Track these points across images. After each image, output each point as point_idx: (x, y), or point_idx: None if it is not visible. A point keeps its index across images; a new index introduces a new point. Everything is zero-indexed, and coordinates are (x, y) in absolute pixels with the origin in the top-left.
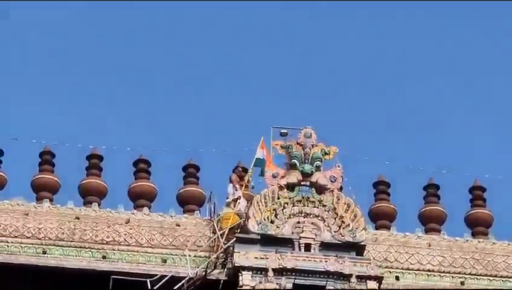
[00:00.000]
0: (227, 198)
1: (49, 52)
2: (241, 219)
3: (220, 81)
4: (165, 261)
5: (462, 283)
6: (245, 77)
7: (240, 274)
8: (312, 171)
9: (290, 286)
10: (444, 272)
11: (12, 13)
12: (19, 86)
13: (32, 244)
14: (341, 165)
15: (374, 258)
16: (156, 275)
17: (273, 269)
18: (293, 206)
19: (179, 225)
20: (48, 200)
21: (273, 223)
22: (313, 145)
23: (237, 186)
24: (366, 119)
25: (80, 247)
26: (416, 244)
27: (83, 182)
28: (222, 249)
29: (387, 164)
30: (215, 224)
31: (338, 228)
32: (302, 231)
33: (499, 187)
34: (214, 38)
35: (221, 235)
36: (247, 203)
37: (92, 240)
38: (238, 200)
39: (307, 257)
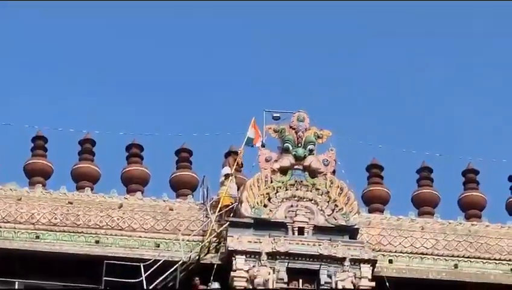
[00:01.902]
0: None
1: (41, 39)
2: (235, 202)
3: (212, 66)
4: (158, 245)
5: (455, 266)
6: (238, 61)
7: (233, 258)
8: (305, 155)
9: (283, 269)
10: (437, 255)
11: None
12: (11, 72)
13: (25, 229)
14: (334, 149)
15: (367, 241)
16: (150, 259)
17: (266, 253)
18: (286, 190)
19: (172, 210)
20: (41, 185)
21: (266, 207)
22: (306, 129)
23: (232, 167)
24: (359, 103)
25: (73, 232)
26: (409, 227)
27: (75, 166)
28: (215, 233)
29: (381, 147)
30: (208, 208)
31: (331, 211)
32: (296, 215)
33: (492, 170)
34: (207, 25)
35: (214, 218)
36: (239, 187)
37: (85, 225)
38: (230, 177)
39: (300, 241)
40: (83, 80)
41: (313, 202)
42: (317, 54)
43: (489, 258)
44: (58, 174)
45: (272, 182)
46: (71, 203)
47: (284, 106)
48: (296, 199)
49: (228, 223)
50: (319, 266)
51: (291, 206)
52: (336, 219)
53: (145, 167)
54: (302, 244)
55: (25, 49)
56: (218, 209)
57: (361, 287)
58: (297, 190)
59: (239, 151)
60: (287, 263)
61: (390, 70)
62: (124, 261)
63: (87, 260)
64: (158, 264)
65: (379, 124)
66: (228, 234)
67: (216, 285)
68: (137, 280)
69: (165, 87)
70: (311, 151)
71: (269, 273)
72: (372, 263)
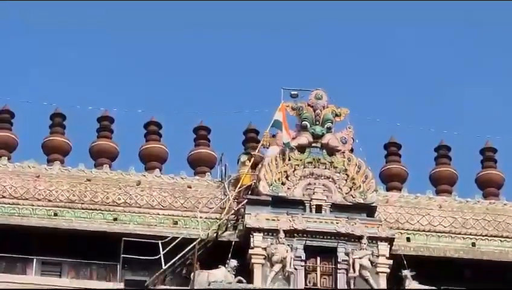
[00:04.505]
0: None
1: (59, 16)
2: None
3: (230, 43)
4: (176, 223)
5: (473, 244)
6: (255, 39)
7: (251, 236)
8: (323, 133)
9: (301, 247)
10: (455, 233)
11: None
12: (30, 49)
13: (43, 206)
14: (352, 127)
15: (385, 219)
16: (167, 236)
17: (284, 231)
18: (304, 167)
19: (190, 187)
20: (59, 162)
21: (284, 184)
22: (323, 107)
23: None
24: (377, 80)
25: (91, 209)
26: (427, 205)
27: (94, 144)
28: (233, 211)
29: (399, 125)
30: (226, 186)
31: (349, 189)
32: (313, 193)
33: (510, 148)
34: (225, 3)
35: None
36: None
37: (103, 202)
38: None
39: (318, 219)
40: (102, 58)
41: (330, 179)
42: (336, 32)
43: (507, 237)
44: (77, 151)
45: (289, 160)
46: (89, 180)
47: (302, 84)
48: (313, 176)
49: (246, 200)
50: (336, 243)
51: (309, 184)
52: (353, 197)
53: (163, 144)
54: (320, 222)
55: (44, 27)
56: (238, 187)
57: (378, 265)
58: (315, 167)
59: (264, 134)
60: (304, 241)
61: (409, 48)
62: (142, 238)
63: (105, 237)
64: (176, 241)
65: (397, 102)
66: (246, 212)
67: (234, 263)
68: (155, 257)
69: (184, 64)
70: (329, 129)
71: (287, 251)
72: (390, 241)
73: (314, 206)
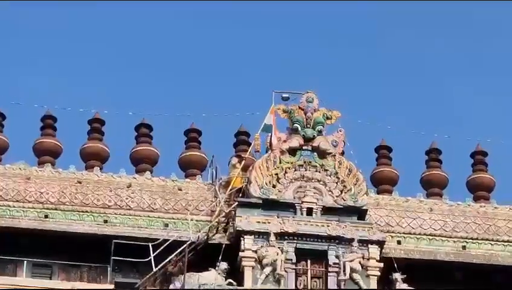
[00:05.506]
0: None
1: (50, 16)
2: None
3: (221, 46)
4: (166, 225)
5: (463, 248)
6: (247, 41)
7: (241, 238)
8: (314, 136)
9: (292, 250)
10: (445, 236)
11: None
12: (21, 51)
13: (34, 208)
14: (343, 130)
15: (375, 222)
16: (158, 239)
17: (274, 233)
18: (295, 170)
19: (180, 189)
20: (50, 164)
21: (275, 187)
22: (315, 110)
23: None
24: (368, 83)
25: (82, 211)
26: (418, 208)
27: (84, 146)
28: (224, 214)
29: (390, 128)
30: (217, 188)
31: (340, 192)
32: (304, 196)
33: (501, 152)
34: (217, 4)
35: (223, 198)
36: (248, 169)
37: (94, 204)
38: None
39: (309, 221)
40: (92, 60)
41: (321, 182)
42: (327, 35)
43: (497, 240)
44: (67, 153)
45: (280, 162)
46: (80, 182)
47: (293, 87)
48: (304, 179)
49: (237, 203)
50: (327, 246)
51: (300, 186)
52: (344, 200)
53: (154, 146)
54: (311, 225)
55: (34, 28)
56: (229, 189)
57: (369, 268)
58: (306, 170)
59: (255, 137)
60: (295, 244)
61: (400, 50)
62: (133, 240)
63: (95, 239)
64: (166, 244)
65: (388, 105)
66: (236, 214)
67: (224, 265)
68: (145, 260)
69: (175, 67)
70: (320, 132)
71: (277, 254)
72: (381, 244)
73: (305, 209)
